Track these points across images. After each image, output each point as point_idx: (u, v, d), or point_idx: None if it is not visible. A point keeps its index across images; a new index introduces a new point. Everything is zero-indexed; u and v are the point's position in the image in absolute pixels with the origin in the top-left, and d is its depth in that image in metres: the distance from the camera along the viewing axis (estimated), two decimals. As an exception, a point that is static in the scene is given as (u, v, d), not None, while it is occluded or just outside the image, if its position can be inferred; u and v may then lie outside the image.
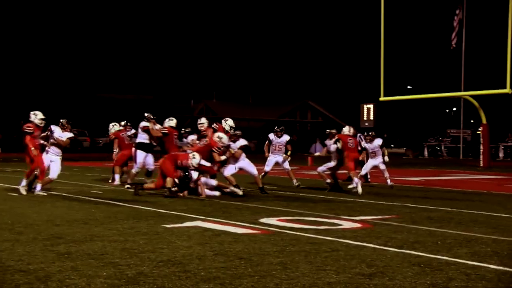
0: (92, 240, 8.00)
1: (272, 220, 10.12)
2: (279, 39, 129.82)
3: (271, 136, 17.45)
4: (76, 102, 70.80)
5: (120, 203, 12.46)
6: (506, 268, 6.49)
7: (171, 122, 16.48)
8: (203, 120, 16.09)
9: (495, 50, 32.75)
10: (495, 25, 29.46)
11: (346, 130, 16.46)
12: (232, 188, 14.51)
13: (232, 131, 15.39)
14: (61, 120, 14.79)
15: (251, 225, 9.55)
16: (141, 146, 16.60)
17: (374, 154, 17.74)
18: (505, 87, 27.00)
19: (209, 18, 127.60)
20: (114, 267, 6.41)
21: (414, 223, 10.01)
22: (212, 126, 15.80)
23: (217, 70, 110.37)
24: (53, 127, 14.39)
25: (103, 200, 13.05)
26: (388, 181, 17.29)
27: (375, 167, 17.76)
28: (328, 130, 17.08)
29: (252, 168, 15.17)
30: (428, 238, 8.48)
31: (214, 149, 14.56)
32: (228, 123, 15.68)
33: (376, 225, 9.77)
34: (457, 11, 40.67)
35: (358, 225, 9.76)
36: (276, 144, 17.34)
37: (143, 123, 16.42)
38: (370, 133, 18.18)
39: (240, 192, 14.39)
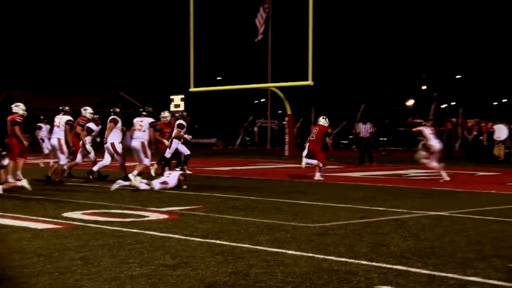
0: None
1: (77, 214, 9.85)
2: (90, 28, 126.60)
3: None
4: None
5: None
6: (302, 253, 6.78)
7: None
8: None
9: (299, 44, 34.10)
10: (299, 20, 30.69)
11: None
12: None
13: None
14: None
15: (54, 220, 9.23)
16: None
17: None
18: (307, 79, 28.28)
19: (17, 5, 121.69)
20: None
21: (220, 212, 10.18)
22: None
23: (21, 59, 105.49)
24: None
25: None
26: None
27: None
28: None
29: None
30: (232, 227, 8.66)
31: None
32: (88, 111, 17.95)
33: (183, 215, 9.82)
34: (265, 4, 41.77)
35: (165, 216, 9.76)
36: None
37: None
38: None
39: None
